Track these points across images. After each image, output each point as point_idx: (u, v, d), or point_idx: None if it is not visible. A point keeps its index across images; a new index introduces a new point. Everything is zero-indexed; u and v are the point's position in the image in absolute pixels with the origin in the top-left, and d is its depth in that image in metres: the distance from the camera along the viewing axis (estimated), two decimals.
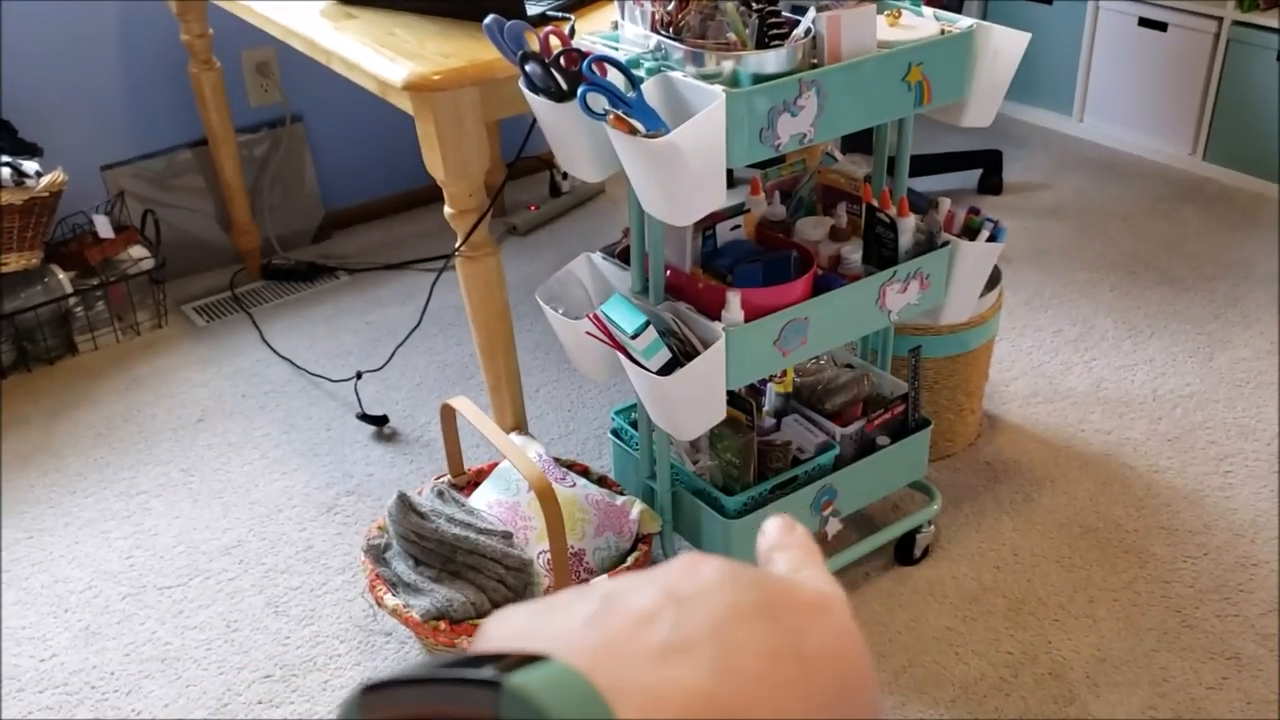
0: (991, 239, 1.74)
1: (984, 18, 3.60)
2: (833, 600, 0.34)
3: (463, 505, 1.74)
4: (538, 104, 1.48)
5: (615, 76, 1.40)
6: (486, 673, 0.26)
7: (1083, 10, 3.40)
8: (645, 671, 0.28)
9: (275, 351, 2.61)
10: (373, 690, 0.28)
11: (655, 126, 1.36)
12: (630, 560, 1.70)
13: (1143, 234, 2.95)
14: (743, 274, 1.62)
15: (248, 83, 2.92)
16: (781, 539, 0.41)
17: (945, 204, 1.75)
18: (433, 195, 3.27)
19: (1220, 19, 3.09)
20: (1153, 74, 3.31)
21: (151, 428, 2.36)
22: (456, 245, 1.75)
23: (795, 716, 0.28)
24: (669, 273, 1.63)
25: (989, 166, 3.22)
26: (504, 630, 0.31)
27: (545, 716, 0.25)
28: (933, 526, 1.93)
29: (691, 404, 1.53)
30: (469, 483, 1.90)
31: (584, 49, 1.45)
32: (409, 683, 0.27)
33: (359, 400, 2.41)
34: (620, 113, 1.35)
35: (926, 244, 1.72)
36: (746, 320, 1.52)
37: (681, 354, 1.53)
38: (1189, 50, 3.20)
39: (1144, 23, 3.27)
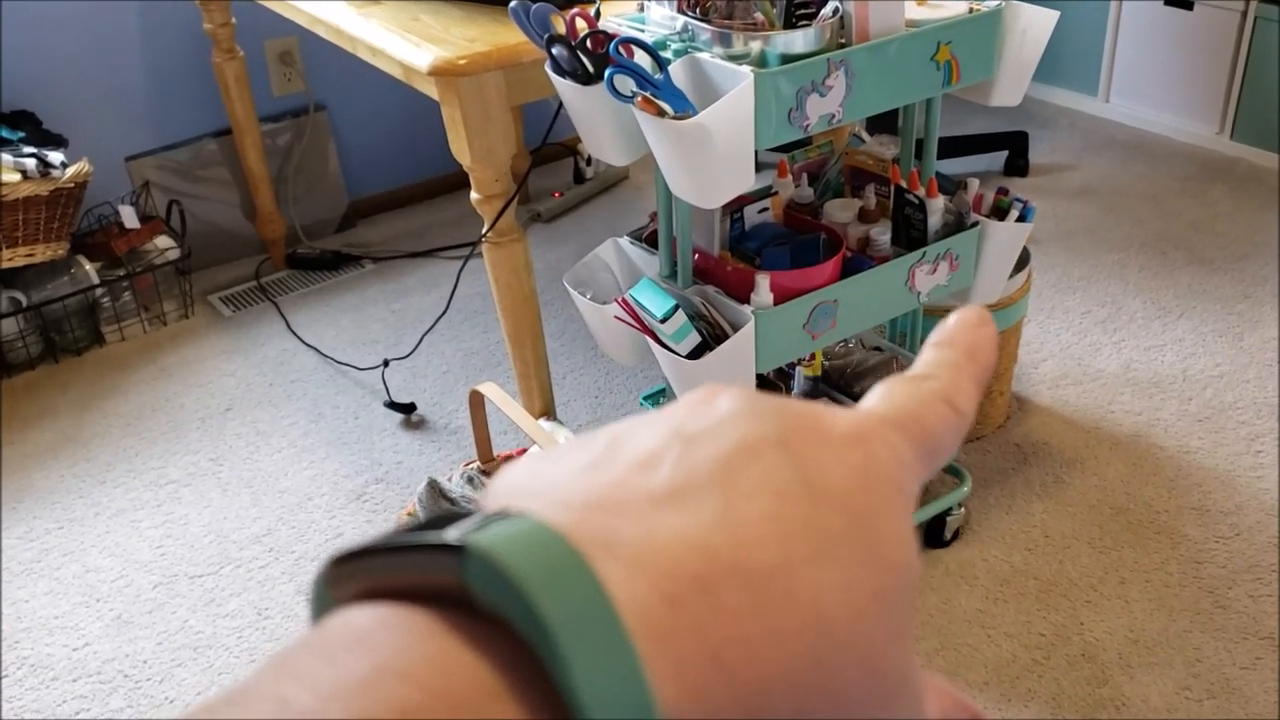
0: (1021, 219, 1.73)
1: None
2: (873, 433, 0.28)
3: None
4: (564, 87, 1.47)
5: (642, 59, 1.39)
6: (452, 535, 0.23)
7: None
8: (637, 521, 0.24)
9: (302, 340, 2.62)
10: (340, 562, 0.25)
11: (683, 108, 1.35)
12: None
13: (1171, 214, 2.93)
14: (771, 257, 1.61)
15: (271, 72, 2.93)
16: (951, 334, 0.32)
17: (974, 185, 1.74)
18: (456, 182, 3.28)
19: None
20: (1179, 53, 3.27)
21: (180, 417, 2.38)
22: (483, 231, 1.75)
23: (804, 561, 0.24)
24: (697, 256, 1.63)
25: (1015, 148, 3.19)
26: (501, 486, 0.27)
27: (512, 578, 0.21)
28: (963, 509, 1.92)
29: None
30: (498, 469, 1.90)
31: (610, 31, 1.44)
32: (377, 551, 0.24)
33: (386, 388, 2.41)
34: (648, 95, 1.35)
35: (955, 225, 1.71)
36: (775, 303, 1.52)
37: (711, 338, 1.53)
38: (1216, 29, 3.16)
39: (1170, 1, 3.24)
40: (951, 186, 1.75)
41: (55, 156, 2.43)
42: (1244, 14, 3.08)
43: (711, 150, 1.34)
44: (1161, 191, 3.04)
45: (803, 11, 1.41)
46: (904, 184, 1.68)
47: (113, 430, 2.35)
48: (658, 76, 1.35)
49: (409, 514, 1.76)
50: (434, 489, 1.66)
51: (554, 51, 1.43)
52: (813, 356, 1.83)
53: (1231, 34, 3.13)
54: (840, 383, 1.85)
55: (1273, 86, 3.08)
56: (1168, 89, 3.34)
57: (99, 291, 2.59)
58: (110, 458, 2.26)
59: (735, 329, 1.51)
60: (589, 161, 3.25)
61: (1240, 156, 3.20)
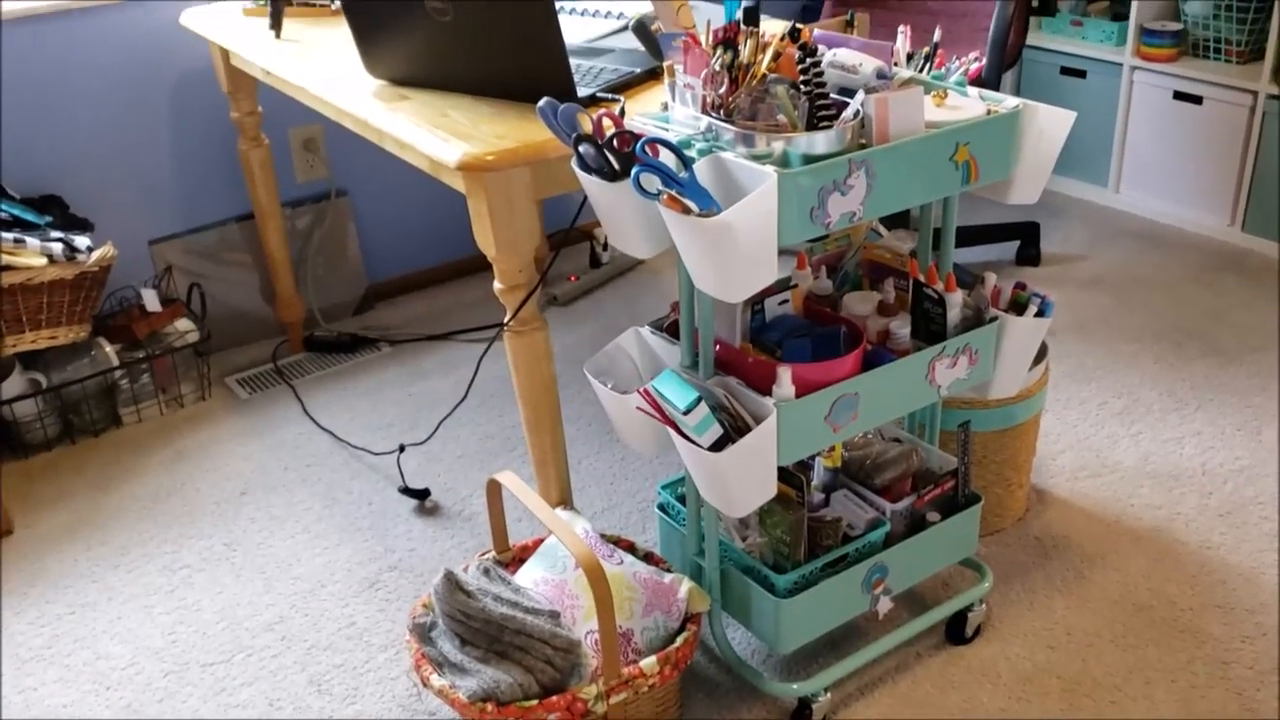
0: (1039, 314, 1.74)
1: (1017, 91, 3.63)
2: None
3: (509, 583, 1.73)
4: (591, 184, 1.50)
5: (667, 157, 1.42)
6: None
7: (1117, 84, 3.42)
8: None
9: (317, 424, 2.63)
10: None
11: (708, 205, 1.37)
12: (679, 641, 1.68)
13: (1185, 305, 2.94)
14: (792, 349, 1.62)
15: (294, 159, 2.98)
16: None
17: (991, 278, 1.75)
18: (473, 266, 3.31)
19: (1255, 92, 3.10)
20: (1189, 146, 3.31)
21: (195, 501, 2.37)
22: (506, 320, 1.76)
23: None
24: (718, 347, 1.63)
25: (1026, 238, 3.22)
26: None
27: None
28: (984, 605, 1.90)
29: (743, 480, 1.52)
30: (514, 559, 1.89)
31: (636, 130, 1.47)
32: None
33: (401, 473, 2.41)
34: (673, 192, 1.37)
35: (974, 319, 1.72)
36: (797, 395, 1.52)
37: (733, 429, 1.53)
38: (1225, 123, 3.21)
39: (1179, 96, 3.29)
40: (969, 280, 1.77)
41: (81, 241, 2.46)
42: (1252, 108, 3.13)
43: (735, 247, 1.36)
44: (1175, 282, 3.06)
45: (824, 113, 1.44)
46: (923, 278, 1.70)
47: (128, 513, 2.34)
48: (682, 175, 1.37)
49: (424, 606, 1.75)
50: (450, 581, 1.65)
51: (581, 149, 1.46)
52: (832, 448, 1.83)
53: (1241, 127, 3.17)
54: (860, 474, 1.84)
55: None
56: (1178, 181, 3.37)
57: (118, 373, 2.61)
58: (125, 541, 2.26)
59: (757, 421, 1.51)
60: (605, 246, 3.28)
61: (1252, 248, 3.22)
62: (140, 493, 2.41)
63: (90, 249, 2.48)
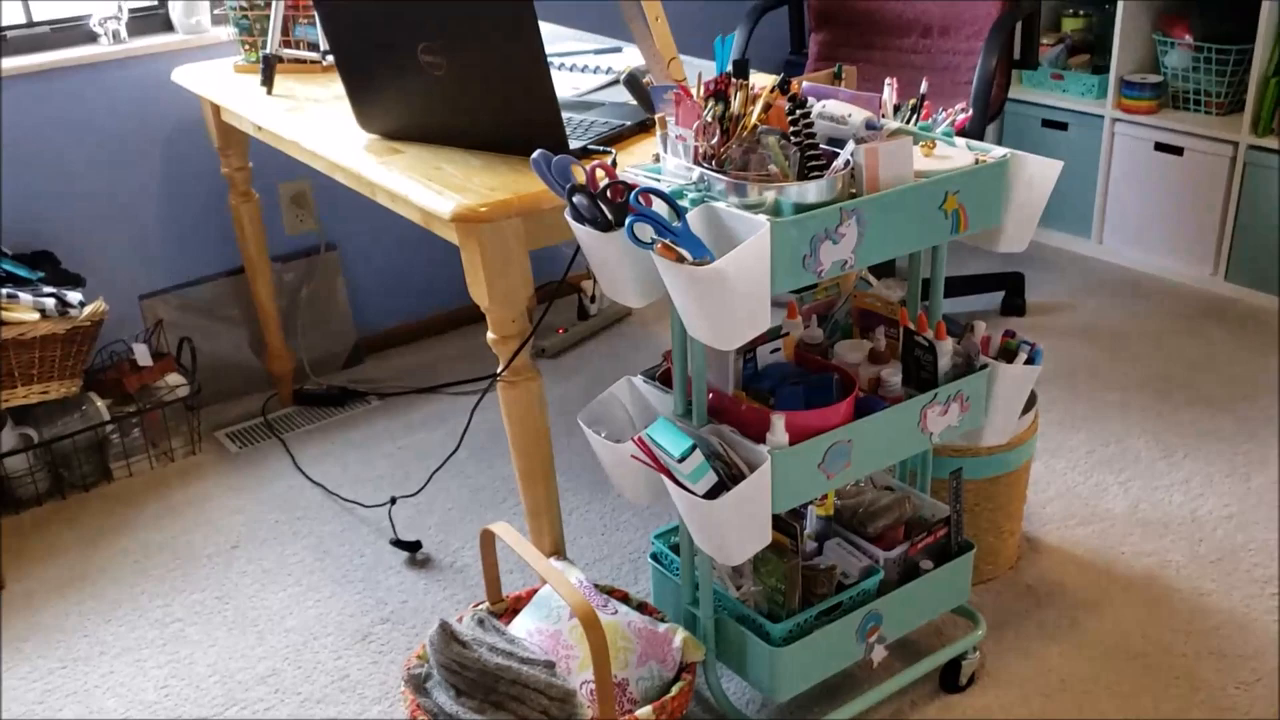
0: (1029, 361, 1.76)
1: (1000, 143, 3.68)
2: None
3: (504, 634, 1.72)
4: (584, 234, 1.51)
5: (659, 207, 1.43)
6: None
7: (1098, 136, 3.47)
8: None
9: (308, 477, 2.62)
10: None
11: (701, 254, 1.39)
12: (675, 690, 1.67)
13: (1170, 353, 2.96)
14: (785, 396, 1.63)
15: (284, 213, 3.00)
16: None
17: (980, 326, 1.77)
18: (462, 319, 3.33)
19: (1236, 143, 3.16)
20: (1171, 197, 3.36)
21: (187, 554, 2.36)
22: (499, 370, 1.77)
23: None
24: (711, 395, 1.65)
25: (1012, 288, 3.25)
26: None
27: None
28: (978, 653, 1.90)
29: (738, 528, 1.52)
30: (507, 610, 1.88)
31: (630, 181, 1.49)
32: None
33: (393, 526, 2.40)
34: (667, 242, 1.38)
35: (964, 366, 1.73)
36: (791, 443, 1.53)
37: (728, 477, 1.53)
38: (1206, 174, 3.26)
39: (1160, 147, 3.34)
40: (958, 329, 1.78)
41: (73, 296, 2.47)
42: (1233, 159, 3.18)
43: (729, 295, 1.37)
44: (1160, 331, 3.09)
45: (814, 163, 1.46)
46: (913, 326, 1.72)
47: (120, 568, 2.33)
48: (676, 224, 1.39)
49: (419, 657, 1.74)
50: (445, 632, 1.64)
51: (575, 200, 1.48)
52: (825, 496, 1.83)
53: (1222, 179, 3.22)
54: (853, 523, 1.85)
55: (1265, 229, 3.16)
56: (1160, 231, 3.42)
57: (109, 428, 2.60)
58: (117, 596, 2.24)
59: (751, 468, 1.52)
60: (593, 298, 3.30)
61: (1236, 297, 3.26)
62: (131, 547, 2.39)
63: (82, 304, 2.48)
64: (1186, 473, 2.45)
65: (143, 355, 2.70)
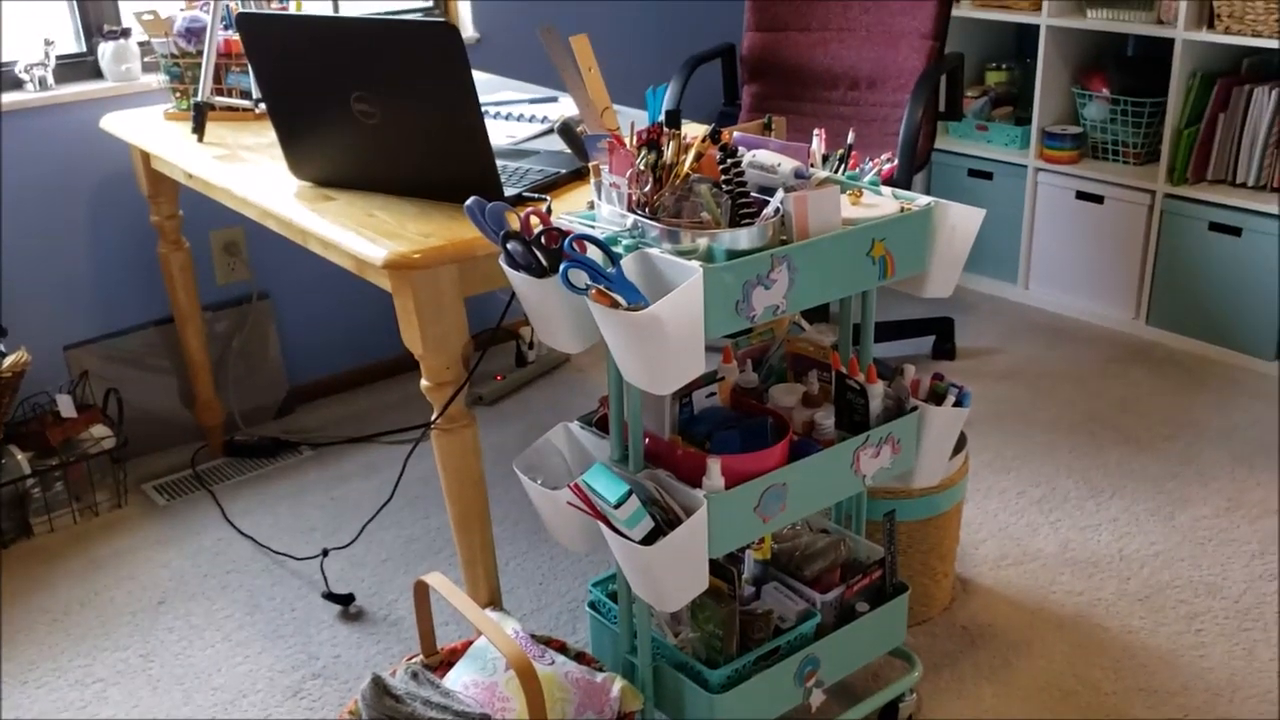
0: (958, 404, 1.78)
1: (928, 192, 3.76)
2: None
3: (438, 687, 1.69)
4: (519, 280, 1.51)
5: (594, 253, 1.44)
6: None
7: (1022, 185, 3.57)
8: None
9: (238, 530, 2.57)
10: None
11: (635, 299, 1.39)
12: None
13: (1096, 395, 3.03)
14: (721, 440, 1.64)
15: (215, 261, 2.96)
16: None
17: (910, 370, 1.80)
18: (394, 368, 3.30)
19: (1153, 191, 3.26)
20: (1093, 243, 3.45)
21: (110, 611, 2.30)
22: (433, 418, 1.76)
23: None
24: (648, 440, 1.65)
25: (941, 333, 3.31)
26: None
27: None
28: (915, 694, 1.91)
29: (675, 573, 1.52)
30: (442, 662, 1.85)
31: (564, 228, 1.50)
32: None
33: (325, 579, 2.36)
34: (602, 287, 1.39)
35: (895, 409, 1.76)
36: (727, 487, 1.53)
37: (664, 522, 1.53)
38: (1126, 221, 3.36)
39: (1081, 195, 3.44)
40: (889, 372, 1.81)
41: None
42: (1151, 206, 3.28)
43: (664, 339, 1.38)
44: (1085, 374, 3.16)
45: (745, 210, 1.48)
46: (845, 370, 1.74)
47: (37, 627, 2.25)
48: (610, 270, 1.40)
49: (350, 712, 1.70)
50: (378, 686, 1.61)
51: (510, 246, 1.48)
52: (762, 540, 1.84)
53: (1140, 226, 3.32)
54: (789, 566, 1.85)
55: (1182, 274, 3.25)
56: (1084, 276, 3.50)
57: (29, 482, 2.53)
58: (33, 656, 2.17)
59: (688, 513, 1.52)
60: (531, 345, 3.29)
61: (1157, 340, 3.35)
62: (50, 605, 2.32)
63: (3, 354, 2.43)
64: (1114, 511, 2.50)
65: (66, 407, 2.64)
